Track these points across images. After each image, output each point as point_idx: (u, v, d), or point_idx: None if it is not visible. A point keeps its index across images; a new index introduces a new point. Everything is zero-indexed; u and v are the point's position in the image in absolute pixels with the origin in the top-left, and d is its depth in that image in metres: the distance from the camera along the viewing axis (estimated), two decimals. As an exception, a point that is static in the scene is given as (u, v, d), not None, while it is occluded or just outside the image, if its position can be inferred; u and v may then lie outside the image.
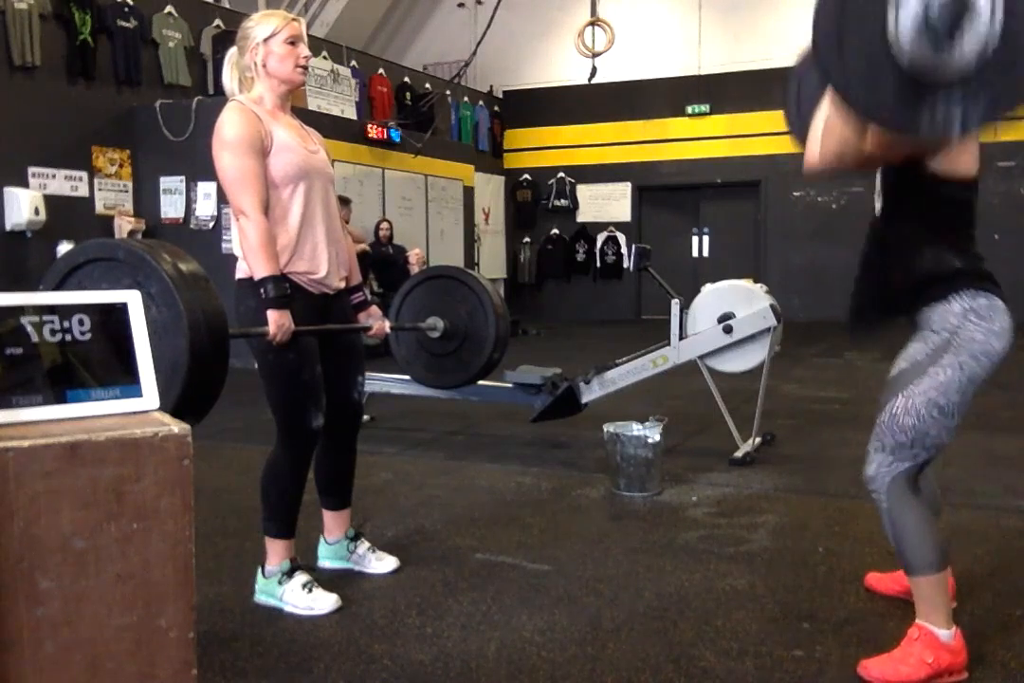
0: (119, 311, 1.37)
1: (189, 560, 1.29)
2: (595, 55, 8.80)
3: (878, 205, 2.23)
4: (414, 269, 8.56)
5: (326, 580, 2.68)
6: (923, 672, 2.05)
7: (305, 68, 2.58)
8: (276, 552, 2.62)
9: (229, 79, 2.64)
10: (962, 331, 2.07)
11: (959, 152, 2.05)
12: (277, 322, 2.42)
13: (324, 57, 9.88)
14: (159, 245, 1.97)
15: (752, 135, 12.25)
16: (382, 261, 8.88)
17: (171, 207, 8.17)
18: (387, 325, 2.90)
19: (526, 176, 13.54)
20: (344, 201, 8.45)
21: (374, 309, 2.87)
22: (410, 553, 2.99)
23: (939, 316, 2.10)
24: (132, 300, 1.39)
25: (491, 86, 13.45)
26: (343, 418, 2.74)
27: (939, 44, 1.74)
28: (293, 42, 2.54)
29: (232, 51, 2.63)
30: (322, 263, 2.59)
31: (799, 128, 2.25)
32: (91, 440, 1.22)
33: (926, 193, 2.09)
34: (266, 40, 2.53)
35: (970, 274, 2.11)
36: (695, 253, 13.10)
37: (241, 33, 2.58)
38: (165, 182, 8.16)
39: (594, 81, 8.95)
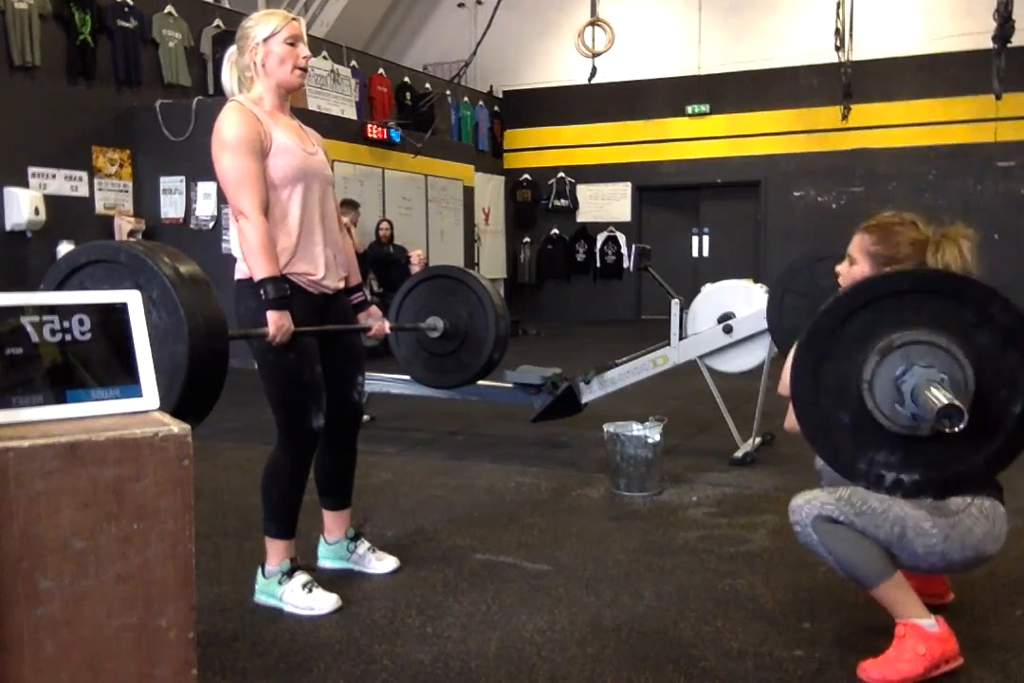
0: (119, 311, 1.37)
1: (189, 560, 1.29)
2: (595, 55, 8.79)
3: None
4: (415, 269, 8.56)
5: (326, 580, 2.68)
6: (921, 665, 2.07)
7: (304, 70, 2.58)
8: (276, 552, 2.62)
9: (228, 79, 2.64)
10: (966, 518, 2.08)
11: None
12: (277, 323, 2.42)
13: (324, 57, 9.88)
14: (160, 247, 1.97)
15: (752, 135, 12.26)
16: (382, 261, 8.88)
17: (171, 207, 8.17)
18: (387, 325, 2.89)
19: (526, 176, 13.54)
20: (352, 205, 8.47)
21: (374, 309, 2.87)
22: (410, 553, 2.99)
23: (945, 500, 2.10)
24: (132, 300, 1.39)
25: (491, 86, 13.45)
26: (343, 418, 2.74)
27: (910, 419, 1.85)
28: (293, 42, 2.54)
29: (231, 50, 2.62)
30: (320, 264, 2.59)
31: (779, 337, 2.25)
32: (91, 440, 1.22)
33: None
34: (266, 40, 2.52)
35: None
36: (695, 253, 13.10)
37: (241, 32, 2.58)
38: (165, 182, 8.16)
39: (594, 81, 8.94)
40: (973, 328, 1.86)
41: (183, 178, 8.06)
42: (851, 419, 1.92)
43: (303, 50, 2.56)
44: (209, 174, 7.87)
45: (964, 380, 1.83)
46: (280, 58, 2.53)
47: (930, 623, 2.10)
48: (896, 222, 2.26)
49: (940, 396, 1.76)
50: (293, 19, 2.57)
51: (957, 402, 1.74)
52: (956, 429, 1.75)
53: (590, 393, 4.51)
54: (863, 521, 2.09)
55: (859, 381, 1.88)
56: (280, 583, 2.58)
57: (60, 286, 1.97)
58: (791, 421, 2.06)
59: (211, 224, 8.02)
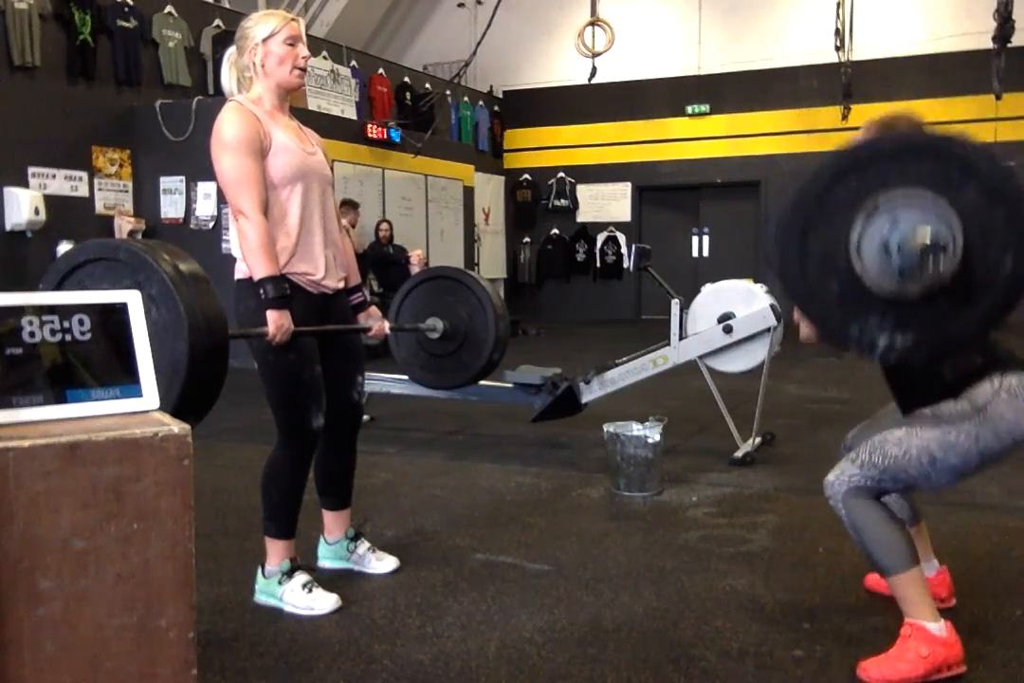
0: (119, 311, 1.37)
1: (189, 560, 1.29)
2: (595, 55, 8.79)
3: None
4: (415, 270, 8.56)
5: (326, 580, 2.68)
6: (921, 668, 2.06)
7: (303, 70, 2.58)
8: (276, 552, 2.62)
9: (228, 79, 2.64)
10: (991, 407, 2.05)
11: None
12: (276, 322, 2.42)
13: (324, 57, 9.88)
14: (160, 245, 1.96)
15: (752, 135, 12.26)
16: (382, 261, 8.88)
17: (171, 207, 8.17)
18: (387, 326, 2.89)
19: (526, 176, 13.54)
20: (352, 205, 8.47)
21: (373, 310, 2.87)
22: (410, 553, 2.99)
23: (972, 389, 2.09)
24: (132, 300, 1.39)
25: (491, 86, 13.45)
26: (343, 418, 2.74)
27: (894, 278, 1.82)
28: (292, 42, 2.54)
29: (231, 51, 2.63)
30: (320, 264, 2.59)
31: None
32: (91, 440, 1.22)
33: None
34: (265, 40, 2.52)
35: (994, 362, 2.10)
36: (695, 253, 13.10)
37: (240, 33, 2.58)
38: (165, 182, 8.16)
39: (594, 81, 8.94)
40: (959, 186, 1.83)
41: (183, 178, 8.06)
42: (839, 286, 1.89)
43: (302, 50, 2.56)
44: (209, 174, 7.86)
45: (952, 237, 1.80)
46: (279, 58, 2.53)
47: (938, 627, 2.09)
48: (900, 117, 2.28)
49: (925, 236, 1.75)
50: (292, 19, 2.57)
51: (942, 241, 1.74)
52: (941, 267, 1.74)
53: (590, 393, 4.51)
54: (891, 473, 2.08)
55: (846, 246, 1.85)
56: (280, 583, 2.58)
57: (60, 285, 1.97)
58: (804, 332, 2.07)
59: (211, 224, 8.02)
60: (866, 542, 2.12)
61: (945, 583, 2.50)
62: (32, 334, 1.29)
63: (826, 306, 1.94)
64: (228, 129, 2.46)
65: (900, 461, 2.08)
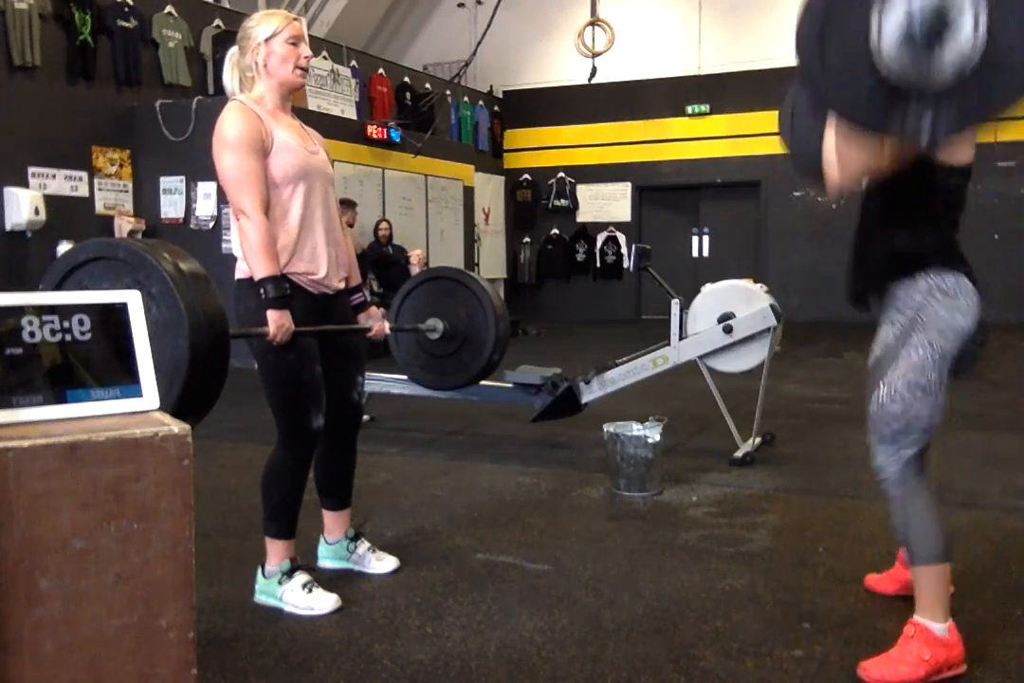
0: (119, 311, 1.37)
1: (189, 560, 1.29)
2: (595, 55, 8.80)
3: (864, 180, 2.24)
4: (415, 270, 8.56)
5: (326, 580, 2.68)
6: (922, 670, 2.06)
7: (305, 69, 2.58)
8: (276, 552, 2.62)
9: (230, 79, 2.64)
10: (927, 308, 2.11)
11: (960, 140, 2.07)
12: (277, 322, 2.42)
13: (324, 57, 9.88)
14: (160, 244, 1.96)
15: (752, 135, 12.25)
16: (381, 261, 8.88)
17: (171, 207, 8.17)
18: (387, 326, 2.89)
19: (526, 176, 13.54)
20: (349, 204, 8.46)
21: (374, 310, 2.87)
22: (410, 553, 2.99)
23: (905, 294, 2.15)
24: (132, 300, 1.39)
25: (491, 86, 13.45)
26: (343, 418, 2.74)
27: (920, 55, 1.77)
28: (294, 42, 2.54)
29: (233, 50, 2.63)
30: (321, 264, 2.59)
31: (793, 142, 2.28)
32: (91, 440, 1.22)
33: (916, 177, 2.11)
34: (267, 40, 2.53)
35: (940, 253, 2.14)
36: (695, 253, 13.10)
37: (242, 33, 2.58)
38: (165, 182, 8.16)
39: (594, 81, 8.95)
40: None
41: (183, 178, 8.06)
42: (871, 83, 1.84)
43: (304, 50, 2.56)
44: (209, 174, 7.87)
45: (973, 7, 1.73)
46: (282, 58, 2.53)
47: (942, 628, 2.10)
48: None
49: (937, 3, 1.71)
50: (295, 19, 2.58)
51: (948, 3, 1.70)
52: (960, 34, 1.70)
53: (590, 393, 4.51)
54: (915, 426, 2.12)
55: (867, 38, 1.79)
56: (280, 583, 2.58)
57: (60, 285, 1.97)
58: (833, 178, 2.06)
59: (211, 224, 8.02)
60: (908, 525, 2.15)
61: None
62: (32, 334, 1.29)
63: (866, 99, 1.87)
64: (230, 128, 2.46)
65: (907, 410, 2.11)
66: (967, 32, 1.75)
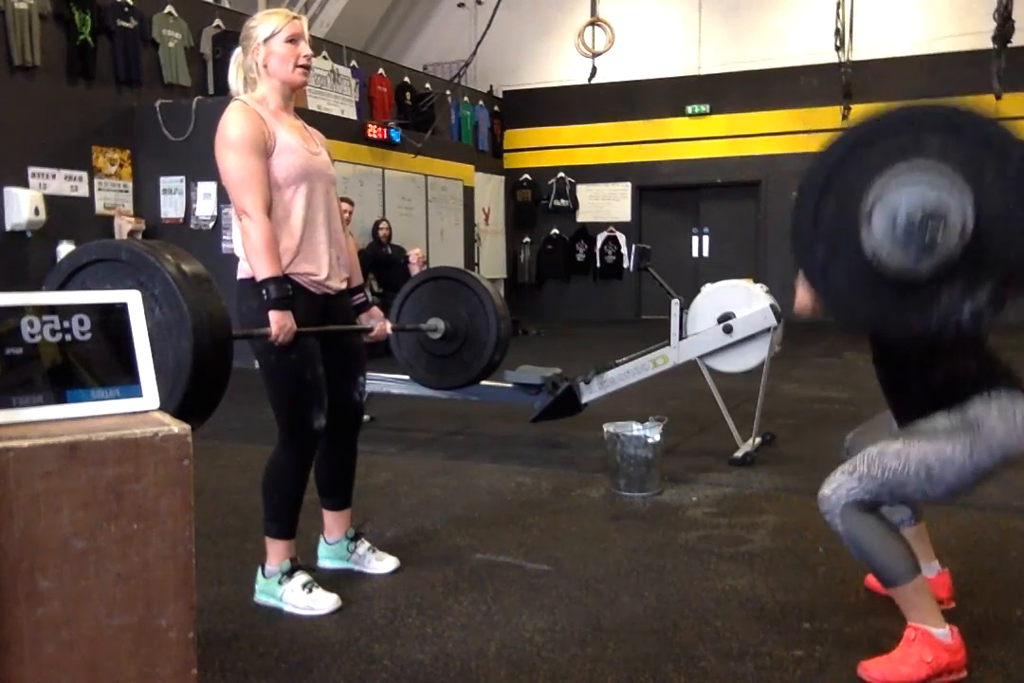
0: (119, 311, 1.37)
1: (189, 560, 1.29)
2: (595, 55, 8.79)
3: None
4: (414, 269, 8.55)
5: (326, 580, 2.68)
6: (923, 672, 2.05)
7: (306, 68, 2.58)
8: (276, 552, 2.62)
9: (235, 79, 2.64)
10: (985, 422, 2.05)
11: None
12: (279, 323, 2.42)
13: (324, 57, 9.89)
14: (162, 246, 1.96)
15: (752, 135, 12.26)
16: (381, 261, 8.88)
17: (171, 207, 8.17)
18: (388, 326, 2.89)
19: (526, 176, 13.54)
20: (347, 202, 8.44)
21: (375, 310, 2.87)
22: (410, 553, 2.99)
23: (960, 407, 2.09)
24: (132, 300, 1.39)
25: (491, 86, 13.45)
26: (344, 418, 2.74)
27: (919, 255, 1.81)
28: (294, 40, 2.53)
29: (237, 51, 2.63)
30: (323, 264, 2.59)
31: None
32: (91, 440, 1.22)
33: None
34: (267, 40, 2.53)
35: (989, 375, 2.10)
36: (695, 253, 13.10)
37: (244, 33, 2.58)
38: (165, 182, 8.16)
39: (594, 81, 8.94)
40: (974, 161, 1.81)
41: (183, 178, 8.06)
42: (890, 294, 1.89)
43: (304, 49, 2.56)
44: (209, 174, 7.88)
45: (960, 209, 1.78)
46: (281, 57, 2.53)
47: (943, 633, 2.08)
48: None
49: (925, 205, 1.75)
50: (295, 17, 2.57)
51: (940, 210, 1.73)
52: (940, 234, 1.73)
53: (590, 393, 4.51)
54: (890, 487, 2.07)
55: (863, 256, 1.84)
56: (280, 583, 2.58)
57: (63, 287, 1.97)
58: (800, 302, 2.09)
59: (211, 224, 8.02)
60: (868, 555, 2.11)
61: (945, 585, 2.49)
62: (32, 334, 1.29)
63: (893, 317, 1.93)
64: (232, 129, 2.46)
65: (899, 475, 2.06)
66: (952, 238, 1.77)
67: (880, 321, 1.98)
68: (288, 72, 2.55)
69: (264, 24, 2.54)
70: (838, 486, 2.11)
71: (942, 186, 1.78)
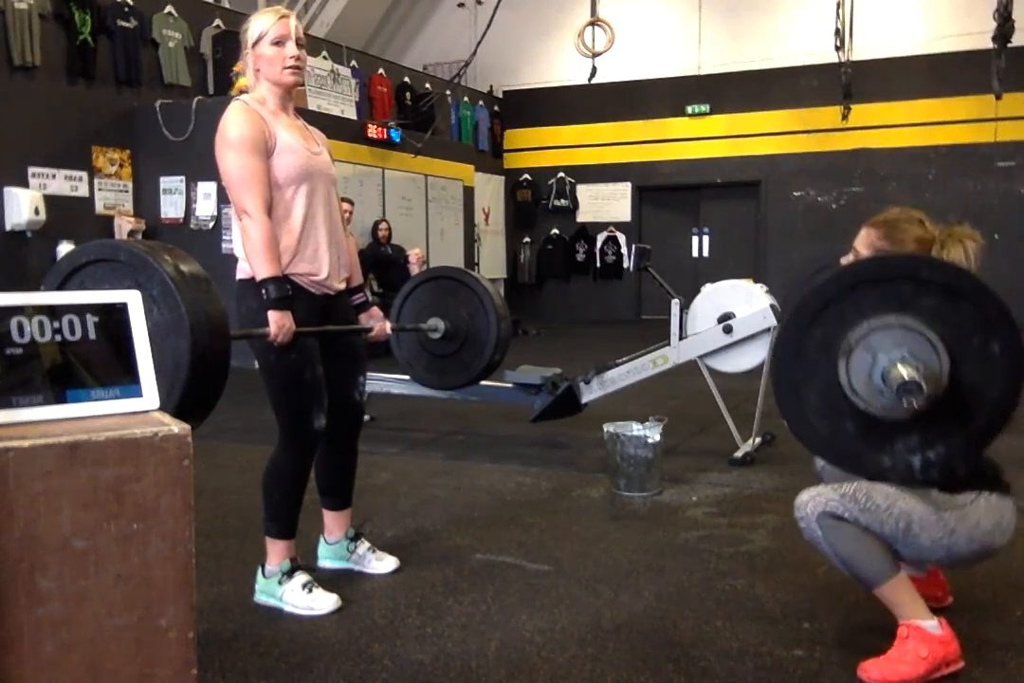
0: (119, 311, 1.37)
1: (189, 560, 1.29)
2: (595, 55, 8.79)
3: None
4: (414, 269, 8.55)
5: (326, 580, 2.68)
6: (921, 667, 2.06)
7: (295, 68, 2.54)
8: (276, 552, 2.62)
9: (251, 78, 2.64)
10: (972, 510, 2.08)
11: None
12: (278, 323, 2.42)
13: (324, 57, 9.88)
14: (161, 246, 1.97)
15: (752, 135, 12.25)
16: (381, 261, 8.88)
17: (171, 207, 8.17)
18: (388, 326, 2.89)
19: (526, 176, 13.53)
20: (347, 202, 8.45)
21: (375, 310, 2.87)
22: (410, 553, 2.99)
23: (949, 494, 2.12)
24: (132, 300, 1.39)
25: (491, 86, 13.44)
26: (344, 418, 2.74)
27: (886, 404, 1.90)
28: (280, 42, 2.50)
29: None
30: (323, 264, 2.59)
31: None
32: (91, 440, 1.22)
33: None
34: (255, 44, 2.52)
35: (978, 477, 2.13)
36: (695, 253, 13.10)
37: (240, 37, 2.59)
38: (165, 182, 8.16)
39: (594, 81, 8.93)
40: (941, 311, 1.90)
41: (183, 178, 8.06)
42: (852, 425, 1.98)
43: (290, 49, 2.52)
44: (209, 174, 7.87)
45: (936, 362, 1.87)
46: (269, 60, 2.52)
47: (933, 625, 2.10)
48: (903, 219, 2.27)
49: (903, 373, 1.82)
50: (283, 16, 2.53)
51: (917, 378, 1.80)
52: (915, 404, 1.81)
53: (590, 393, 4.51)
54: (868, 518, 2.08)
55: (840, 388, 1.93)
56: (280, 583, 2.58)
57: (61, 287, 1.97)
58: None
59: (211, 224, 8.02)
60: (845, 560, 2.13)
61: (939, 583, 2.50)
62: (32, 334, 1.29)
63: (848, 447, 2.02)
64: (233, 128, 2.46)
65: (881, 513, 2.08)
66: (928, 387, 1.84)
67: (833, 450, 2.07)
68: (278, 74, 2.53)
69: (252, 27, 2.53)
70: (818, 495, 2.13)
71: (924, 350, 1.87)
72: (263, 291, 2.42)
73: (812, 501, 2.13)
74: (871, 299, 1.94)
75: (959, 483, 2.11)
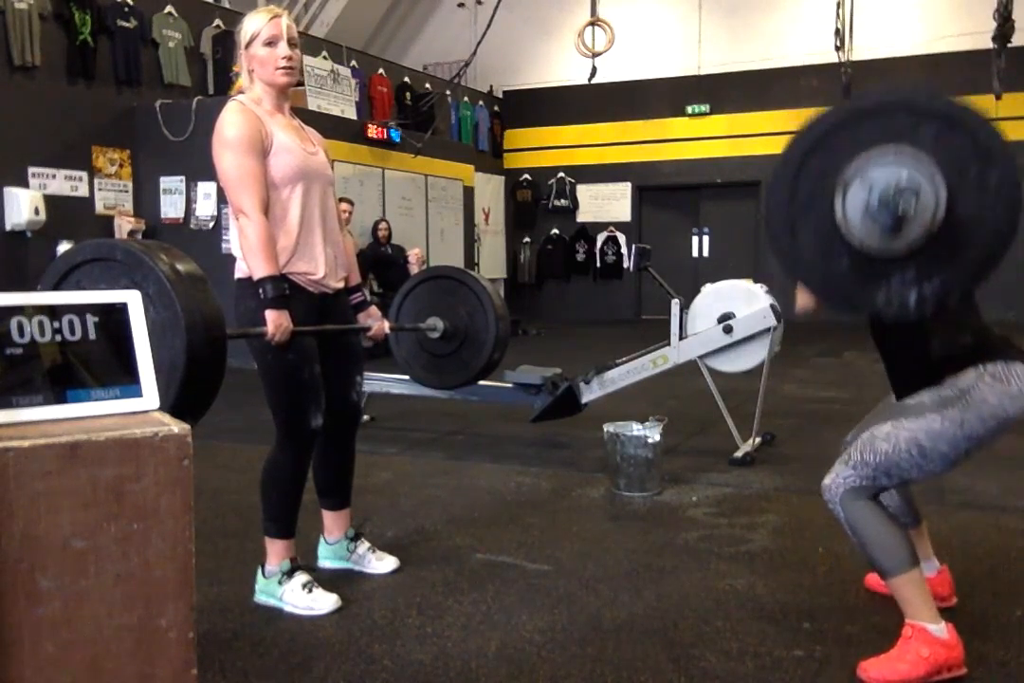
0: (119, 311, 1.37)
1: (189, 560, 1.29)
2: (595, 55, 8.79)
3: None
4: (414, 268, 8.55)
5: (326, 580, 2.68)
6: (922, 668, 2.06)
7: (288, 68, 2.53)
8: (276, 552, 2.62)
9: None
10: (975, 391, 2.07)
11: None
12: (275, 322, 2.42)
13: (324, 57, 9.88)
14: (157, 245, 1.97)
15: (752, 135, 12.25)
16: (381, 261, 8.88)
17: (171, 207, 8.17)
18: (386, 326, 2.89)
19: (526, 176, 13.54)
20: (347, 202, 8.45)
21: (373, 310, 2.87)
22: (410, 553, 2.99)
23: (952, 381, 2.11)
24: (132, 300, 1.39)
25: (491, 86, 13.45)
26: (341, 418, 2.74)
27: (887, 231, 1.84)
28: (272, 43, 2.50)
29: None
30: (320, 263, 2.59)
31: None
32: (91, 440, 1.22)
33: None
34: (248, 46, 2.52)
35: (979, 348, 2.12)
36: (695, 253, 13.10)
37: (235, 37, 2.59)
38: (165, 182, 8.16)
39: (594, 81, 8.94)
40: (941, 141, 1.86)
41: (183, 178, 8.06)
42: (848, 260, 1.92)
43: (282, 49, 2.51)
44: (209, 174, 7.87)
45: (932, 186, 1.82)
46: (262, 61, 2.52)
47: (939, 628, 2.09)
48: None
49: (898, 181, 1.80)
50: (275, 16, 2.52)
51: (913, 184, 1.78)
52: (911, 210, 1.78)
53: (590, 393, 4.51)
54: (885, 470, 2.09)
55: (836, 228, 1.88)
56: (280, 583, 2.58)
57: (57, 286, 1.98)
58: (801, 300, 2.14)
59: (211, 224, 8.02)
60: (866, 544, 2.13)
61: (946, 582, 2.50)
62: (32, 334, 1.29)
63: (841, 281, 1.95)
64: (230, 128, 2.46)
65: (891, 456, 2.09)
66: (925, 217, 1.81)
67: (827, 288, 2.01)
68: (271, 75, 2.53)
69: (245, 28, 2.53)
70: (836, 475, 2.16)
71: (923, 173, 1.82)
72: (260, 290, 2.42)
73: (833, 483, 2.16)
74: (869, 132, 1.89)
75: (958, 362, 2.10)
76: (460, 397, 4.67)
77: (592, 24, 8.88)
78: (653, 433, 3.73)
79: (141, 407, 1.36)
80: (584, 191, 13.33)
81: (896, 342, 2.23)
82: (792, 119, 12.15)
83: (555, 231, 13.36)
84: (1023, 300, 10.64)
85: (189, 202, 8.09)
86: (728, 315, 4.27)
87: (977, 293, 2.16)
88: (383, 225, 9.12)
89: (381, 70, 11.21)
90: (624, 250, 12.98)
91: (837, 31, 9.41)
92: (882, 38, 11.34)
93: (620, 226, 13.17)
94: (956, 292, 1.93)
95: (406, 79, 11.71)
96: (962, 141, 1.86)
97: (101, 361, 1.34)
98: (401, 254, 8.95)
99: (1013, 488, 3.75)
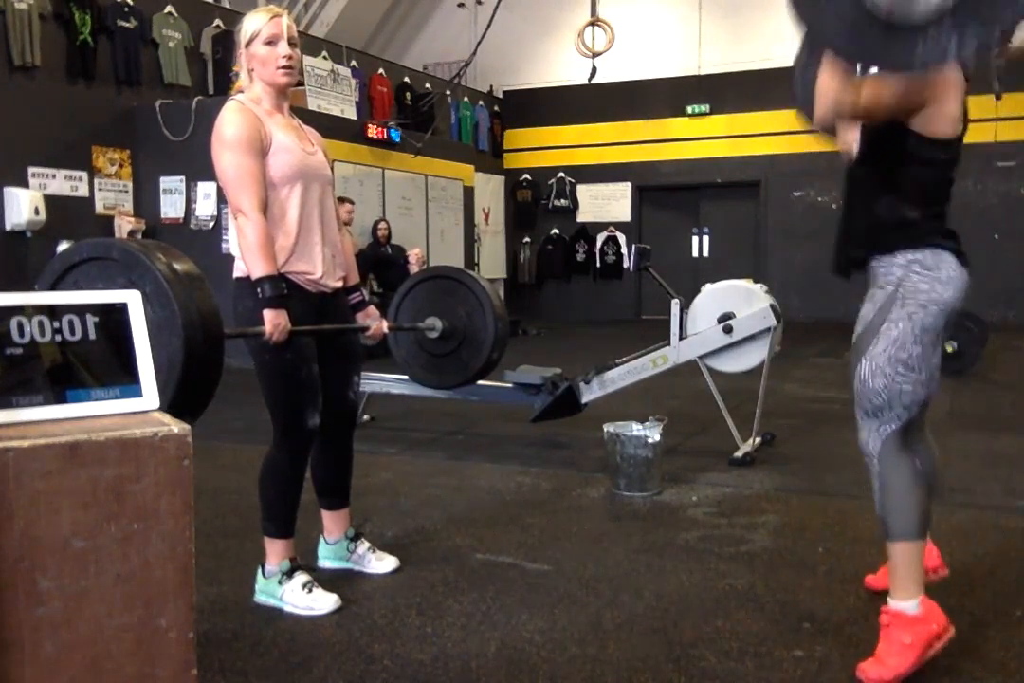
0: (119, 311, 1.37)
1: (189, 560, 1.29)
2: (595, 55, 8.80)
3: (855, 148, 2.24)
4: (414, 269, 8.55)
5: (326, 580, 2.68)
6: (910, 656, 2.06)
7: (288, 68, 2.53)
8: (276, 552, 2.62)
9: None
10: (906, 282, 2.11)
11: (937, 113, 2.06)
12: (273, 322, 2.42)
13: (324, 57, 9.88)
14: (154, 245, 1.97)
15: (752, 135, 12.26)
16: (381, 261, 8.88)
17: (171, 207, 8.17)
18: (385, 325, 2.89)
19: (526, 176, 13.54)
20: (342, 201, 8.45)
21: (372, 309, 2.87)
22: (410, 553, 2.99)
23: (884, 269, 2.16)
24: (132, 300, 1.39)
25: (491, 86, 13.45)
26: (339, 418, 2.74)
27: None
28: (272, 41, 2.50)
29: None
30: (318, 263, 2.59)
31: (803, 95, 2.21)
32: (91, 440, 1.22)
33: (901, 148, 2.11)
34: (248, 45, 2.52)
35: (920, 227, 2.13)
36: (695, 253, 13.10)
37: (235, 36, 2.59)
38: (165, 182, 8.16)
39: (594, 81, 8.95)
40: None
41: (183, 178, 8.05)
42: (880, 30, 1.86)
43: (282, 49, 2.51)
44: (209, 174, 7.85)
45: None
46: (262, 60, 2.52)
47: (913, 605, 2.10)
48: None
49: None
50: (275, 16, 2.53)
51: None
52: None
53: (590, 393, 4.51)
54: (897, 400, 2.11)
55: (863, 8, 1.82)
56: (280, 583, 2.58)
57: (55, 285, 1.98)
58: (814, 113, 2.08)
59: (211, 224, 8.02)
60: (887, 501, 2.15)
61: (932, 553, 2.49)
62: (32, 334, 1.29)
63: (873, 42, 1.88)
64: (229, 128, 2.46)
65: (890, 386, 2.11)
66: None
67: (863, 53, 1.96)
68: (271, 74, 2.53)
69: (245, 27, 2.53)
70: (867, 431, 2.19)
71: None
72: (258, 289, 2.43)
73: (870, 437, 2.18)
74: None
75: (899, 234, 2.12)
76: (460, 397, 4.67)
77: (592, 24, 8.88)
78: (653, 433, 3.73)
79: (141, 407, 1.36)
80: (584, 191, 13.33)
81: (853, 196, 2.24)
82: (792, 119, 12.16)
83: (555, 231, 13.36)
84: (1023, 300, 10.66)
85: (189, 202, 8.09)
86: (728, 315, 4.27)
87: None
88: (383, 225, 9.12)
89: (381, 70, 11.21)
90: (624, 250, 12.98)
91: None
92: (882, 38, 11.33)
93: (620, 226, 13.17)
94: (996, 34, 1.84)
95: (406, 79, 11.71)
96: None
97: (101, 361, 1.34)
98: (401, 254, 8.95)
99: (1013, 488, 3.75)
